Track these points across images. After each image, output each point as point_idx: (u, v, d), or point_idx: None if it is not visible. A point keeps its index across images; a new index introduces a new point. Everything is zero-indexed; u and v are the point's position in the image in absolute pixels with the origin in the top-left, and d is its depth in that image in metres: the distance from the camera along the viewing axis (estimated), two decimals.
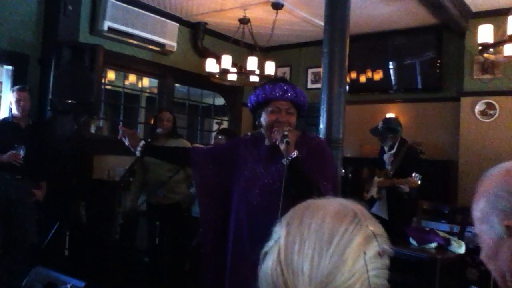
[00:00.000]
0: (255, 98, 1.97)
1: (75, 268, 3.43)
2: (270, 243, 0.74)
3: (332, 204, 0.73)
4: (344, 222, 0.70)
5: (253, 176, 1.97)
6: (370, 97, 6.20)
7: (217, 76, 5.26)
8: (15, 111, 3.78)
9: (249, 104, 2.04)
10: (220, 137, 3.91)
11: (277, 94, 1.90)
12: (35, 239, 3.76)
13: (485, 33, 3.78)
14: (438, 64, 5.62)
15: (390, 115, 5.76)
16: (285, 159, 1.78)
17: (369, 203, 4.02)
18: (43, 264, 1.91)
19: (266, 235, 1.81)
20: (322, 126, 2.93)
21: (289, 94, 1.91)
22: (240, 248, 1.94)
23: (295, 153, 1.81)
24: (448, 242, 3.49)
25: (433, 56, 5.64)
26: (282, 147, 1.80)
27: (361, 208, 0.74)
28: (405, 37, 5.85)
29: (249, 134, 3.11)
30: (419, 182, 3.73)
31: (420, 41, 5.75)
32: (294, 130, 1.93)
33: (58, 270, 1.79)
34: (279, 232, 0.73)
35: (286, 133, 1.81)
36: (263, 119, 1.96)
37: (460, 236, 3.83)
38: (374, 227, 0.72)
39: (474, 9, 5.13)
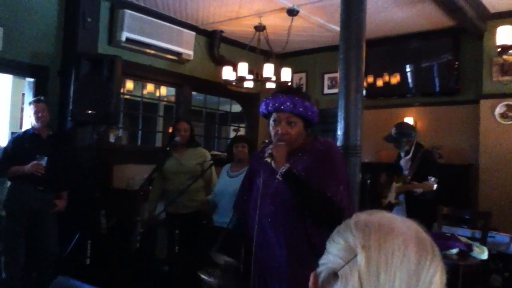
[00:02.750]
0: (260, 110, 2.04)
1: (97, 276, 3.48)
2: (334, 261, 0.69)
3: (407, 228, 0.71)
4: (428, 253, 0.69)
5: (264, 187, 2.00)
6: (387, 101, 6.16)
7: (233, 83, 5.29)
8: (34, 122, 3.85)
9: (261, 114, 2.10)
10: (241, 144, 3.84)
11: (274, 106, 1.94)
12: (57, 249, 3.82)
13: (504, 34, 3.73)
14: (456, 67, 5.56)
15: (408, 119, 5.72)
16: (278, 176, 1.86)
17: (387, 209, 3.99)
18: (65, 273, 1.94)
19: (274, 245, 1.86)
20: (339, 132, 2.92)
21: (285, 106, 1.91)
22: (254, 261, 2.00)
23: (284, 168, 1.84)
24: (469, 247, 3.43)
25: (451, 58, 5.58)
26: (272, 165, 1.87)
27: (427, 234, 0.73)
28: (422, 40, 5.80)
29: (267, 141, 3.11)
30: (435, 185, 3.68)
31: (437, 44, 5.70)
32: (285, 143, 1.93)
33: (79, 279, 1.82)
34: (349, 252, 0.68)
35: (270, 151, 1.87)
36: (270, 130, 2.02)
37: (482, 242, 3.76)
38: (439, 254, 0.72)
39: (492, 10, 5.06)
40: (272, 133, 1.97)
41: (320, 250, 0.71)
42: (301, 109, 1.92)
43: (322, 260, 0.72)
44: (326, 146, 2.00)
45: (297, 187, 1.84)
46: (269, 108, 1.96)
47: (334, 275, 0.68)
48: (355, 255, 0.67)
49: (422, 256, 0.67)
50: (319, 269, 0.72)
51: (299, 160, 1.95)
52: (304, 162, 1.93)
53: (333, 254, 0.70)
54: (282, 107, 1.91)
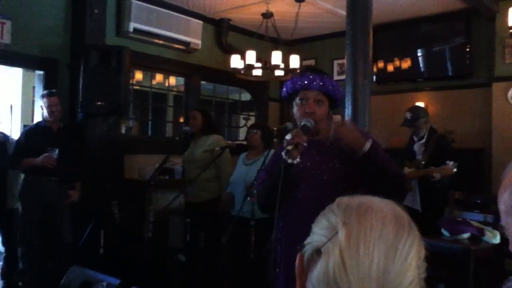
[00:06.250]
0: (285, 89, 1.98)
1: (110, 266, 3.53)
2: (318, 239, 0.73)
3: (385, 207, 0.75)
4: (405, 227, 0.72)
5: (304, 171, 1.91)
6: (398, 86, 6.09)
7: (242, 72, 5.27)
8: (47, 116, 3.89)
9: (282, 96, 2.04)
10: (254, 131, 3.86)
11: (303, 84, 1.89)
12: (71, 240, 3.88)
13: None
14: (467, 50, 5.47)
15: (419, 104, 5.65)
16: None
17: None
18: (79, 263, 1.97)
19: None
20: (347, 118, 2.91)
21: (315, 83, 1.88)
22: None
23: (368, 144, 1.76)
24: (481, 232, 3.41)
25: (463, 41, 5.49)
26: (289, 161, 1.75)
27: (405, 212, 0.77)
28: (433, 24, 5.70)
29: (275, 128, 3.11)
30: (455, 170, 3.65)
31: (448, 27, 5.60)
32: (300, 130, 1.82)
33: (93, 269, 1.85)
34: (332, 230, 0.72)
35: (289, 148, 1.73)
36: (295, 110, 1.96)
37: (495, 226, 3.73)
38: (416, 230, 0.76)
39: None
40: (298, 113, 1.92)
41: None
42: (330, 87, 1.90)
43: (307, 241, 0.76)
44: (361, 129, 2.01)
45: (377, 162, 1.77)
46: (297, 86, 1.91)
47: (317, 252, 0.72)
48: (337, 232, 0.71)
49: (399, 230, 0.71)
50: (304, 249, 0.76)
51: (333, 143, 1.90)
52: (338, 143, 1.88)
53: (316, 234, 0.75)
54: (312, 84, 1.88)
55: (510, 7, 3.88)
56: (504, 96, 5.11)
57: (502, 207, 0.88)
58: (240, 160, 3.91)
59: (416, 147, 4.13)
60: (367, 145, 1.75)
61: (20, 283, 4.01)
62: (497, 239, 3.38)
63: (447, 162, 3.68)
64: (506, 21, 4.57)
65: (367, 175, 1.82)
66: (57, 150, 3.69)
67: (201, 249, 3.94)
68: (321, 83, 1.88)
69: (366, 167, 1.79)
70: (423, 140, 4.07)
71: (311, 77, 1.89)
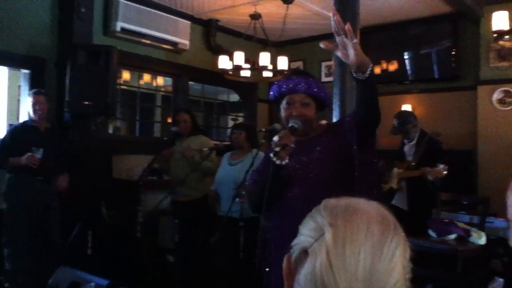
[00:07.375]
0: (272, 93, 2.00)
1: (99, 266, 3.51)
2: (305, 240, 0.74)
3: (371, 208, 0.76)
4: (390, 229, 0.73)
5: (293, 170, 1.91)
6: (385, 88, 6.13)
7: (230, 72, 5.27)
8: (32, 115, 3.84)
9: (270, 100, 2.06)
10: (238, 132, 3.88)
11: (288, 88, 1.91)
12: (59, 240, 3.84)
13: (499, 20, 3.73)
14: (454, 53, 5.54)
15: (406, 106, 5.72)
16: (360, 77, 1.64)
17: (387, 195, 4.01)
18: (67, 264, 1.95)
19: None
20: (335, 120, 2.93)
21: (300, 86, 1.90)
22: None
23: (370, 68, 1.63)
24: (468, 233, 3.46)
25: (449, 45, 5.56)
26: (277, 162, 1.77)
27: (390, 214, 0.78)
28: (420, 27, 5.77)
29: (263, 130, 3.12)
30: (445, 172, 3.69)
31: (435, 30, 5.67)
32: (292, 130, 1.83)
33: (82, 269, 1.83)
34: (318, 231, 0.73)
35: (277, 149, 1.75)
36: (282, 114, 1.97)
37: (481, 227, 3.78)
38: (402, 231, 0.77)
39: None
40: (284, 116, 1.93)
41: None
42: (315, 89, 1.91)
43: (294, 242, 0.77)
44: (340, 120, 2.00)
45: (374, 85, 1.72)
46: (283, 90, 1.92)
47: (304, 253, 0.73)
48: (323, 233, 0.72)
49: (385, 231, 0.72)
50: (292, 250, 0.77)
51: (319, 142, 1.93)
52: (325, 142, 1.92)
53: (304, 235, 0.76)
54: (297, 87, 1.89)
55: (494, 11, 3.94)
56: (489, 99, 5.19)
57: (510, 201, 0.91)
58: (224, 159, 3.91)
59: (406, 148, 4.18)
60: (371, 65, 1.66)
61: (7, 284, 3.95)
62: (483, 240, 3.43)
63: (438, 164, 3.72)
64: (490, 25, 4.64)
65: (360, 101, 1.79)
66: (41, 150, 3.64)
67: (190, 249, 3.93)
68: (307, 86, 1.90)
69: (365, 89, 1.73)
70: (413, 142, 4.11)
71: (296, 80, 1.91)
